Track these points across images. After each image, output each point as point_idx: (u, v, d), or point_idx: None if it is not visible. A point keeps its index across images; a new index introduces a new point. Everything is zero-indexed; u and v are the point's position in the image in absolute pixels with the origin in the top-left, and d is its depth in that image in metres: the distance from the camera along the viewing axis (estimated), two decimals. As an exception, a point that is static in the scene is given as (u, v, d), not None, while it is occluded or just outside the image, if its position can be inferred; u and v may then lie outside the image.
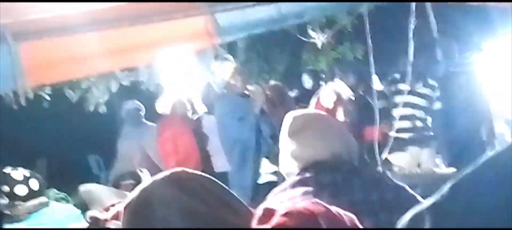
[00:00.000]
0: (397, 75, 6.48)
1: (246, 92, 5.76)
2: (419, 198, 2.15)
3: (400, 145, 5.77)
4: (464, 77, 6.73)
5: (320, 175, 2.17)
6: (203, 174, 1.47)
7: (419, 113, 6.41)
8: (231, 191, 1.46)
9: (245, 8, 4.46)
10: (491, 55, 6.98)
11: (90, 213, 3.37)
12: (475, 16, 5.14)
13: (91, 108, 9.47)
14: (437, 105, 6.56)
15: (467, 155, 6.14)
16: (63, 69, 4.82)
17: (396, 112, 5.62)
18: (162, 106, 6.98)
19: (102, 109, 9.54)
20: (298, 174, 2.26)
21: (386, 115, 6.05)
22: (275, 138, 5.53)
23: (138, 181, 5.35)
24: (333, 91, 5.45)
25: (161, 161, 6.68)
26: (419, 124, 6.45)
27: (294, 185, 2.18)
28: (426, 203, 1.00)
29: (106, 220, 3.35)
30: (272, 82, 7.04)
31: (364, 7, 4.77)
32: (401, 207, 2.02)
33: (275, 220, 1.40)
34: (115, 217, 3.34)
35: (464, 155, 6.10)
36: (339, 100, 5.55)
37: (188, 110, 6.78)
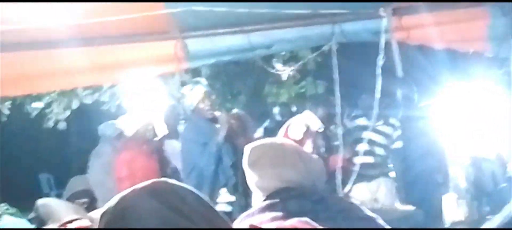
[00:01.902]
0: (360, 112, 6.61)
1: (215, 117, 5.76)
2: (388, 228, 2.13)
3: (360, 179, 5.84)
4: (422, 122, 6.89)
5: (288, 202, 2.16)
6: (186, 186, 1.42)
7: (379, 150, 6.51)
8: (213, 206, 1.41)
9: (215, 35, 4.50)
10: (449, 101, 7.18)
11: (46, 228, 3.33)
12: (439, 60, 5.27)
13: (51, 124, 9.37)
14: (398, 144, 6.68)
15: (423, 194, 6.29)
16: (27, 84, 4.77)
17: (359, 147, 5.69)
18: (124, 127, 6.89)
19: (62, 126, 9.45)
20: (266, 200, 2.26)
21: (350, 149, 6.14)
22: (235, 167, 5.55)
23: (92, 199, 5.31)
24: (303, 123, 5.50)
25: (115, 183, 6.51)
26: (379, 160, 6.55)
27: (263, 210, 2.16)
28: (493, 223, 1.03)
29: (62, 236, 3.32)
30: (236, 110, 7.04)
31: (331, 44, 4.84)
32: None
33: None
34: (72, 233, 3.31)
35: (421, 195, 6.24)
36: (308, 132, 5.60)
37: (151, 134, 6.73)
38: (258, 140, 2.54)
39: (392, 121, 6.65)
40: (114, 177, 6.56)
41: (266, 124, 8.24)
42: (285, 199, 2.18)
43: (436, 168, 6.90)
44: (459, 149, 8.91)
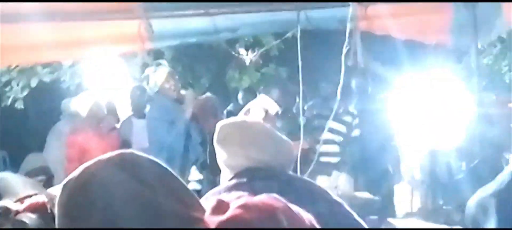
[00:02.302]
0: (318, 100, 6.68)
1: (180, 97, 5.73)
2: (355, 216, 2.14)
3: (321, 167, 5.87)
4: (378, 113, 6.99)
5: (255, 181, 2.15)
6: (153, 158, 1.35)
7: (339, 138, 6.57)
8: (182, 180, 1.36)
9: (181, 16, 4.47)
10: (407, 93, 7.27)
11: (1, 203, 3.26)
12: (401, 51, 5.31)
13: (8, 103, 9.23)
14: (356, 132, 6.76)
15: (378, 183, 6.40)
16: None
17: (320, 135, 5.73)
18: (78, 107, 6.77)
19: (19, 104, 9.31)
20: (232, 179, 2.26)
21: (310, 137, 6.17)
22: (204, 145, 5.56)
23: (49, 176, 5.23)
24: (261, 107, 5.50)
25: (63, 164, 6.38)
26: (339, 149, 6.62)
27: (229, 189, 2.14)
28: (489, 189, 1.04)
29: (18, 212, 3.25)
30: (207, 94, 7.00)
31: (296, 30, 4.85)
32: (337, 222, 2.07)
33: (230, 212, 1.33)
34: (29, 209, 3.25)
35: (375, 183, 6.34)
36: (267, 116, 5.60)
37: (105, 114, 6.62)
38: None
39: (351, 109, 6.72)
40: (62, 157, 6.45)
41: (229, 107, 8.24)
42: (252, 179, 2.17)
43: (388, 158, 7.03)
44: (415, 140, 9.04)
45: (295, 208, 1.41)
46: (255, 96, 8.26)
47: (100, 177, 1.28)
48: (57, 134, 6.92)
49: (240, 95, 8.81)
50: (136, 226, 1.24)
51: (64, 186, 1.31)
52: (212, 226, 1.32)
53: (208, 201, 2.08)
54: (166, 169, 1.36)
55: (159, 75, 5.70)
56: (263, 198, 1.40)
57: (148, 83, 5.77)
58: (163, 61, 5.84)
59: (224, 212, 1.35)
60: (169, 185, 1.32)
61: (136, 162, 1.32)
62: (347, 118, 6.65)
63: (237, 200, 1.39)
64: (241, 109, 6.69)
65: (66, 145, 6.52)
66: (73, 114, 6.83)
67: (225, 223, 1.32)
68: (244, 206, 1.35)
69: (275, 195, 1.42)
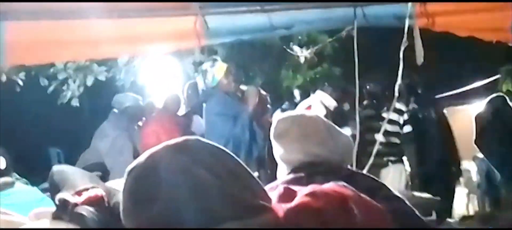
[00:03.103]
0: (366, 101, 6.66)
1: (238, 93, 5.71)
2: (417, 213, 2.06)
3: (376, 166, 5.79)
4: (436, 113, 6.86)
5: (313, 176, 2.07)
6: (218, 145, 1.35)
7: (392, 138, 6.50)
8: (247, 168, 1.35)
9: (236, 13, 4.45)
10: (466, 93, 7.12)
11: (59, 195, 3.27)
12: (461, 49, 5.19)
13: (64, 101, 9.37)
14: (406, 128, 6.67)
15: (438, 184, 6.26)
16: (42, 53, 4.73)
17: (377, 136, 5.65)
18: (152, 99, 6.86)
19: (75, 102, 9.44)
20: (290, 173, 2.21)
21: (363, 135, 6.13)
22: (267, 139, 5.54)
23: (105, 172, 5.28)
24: (321, 103, 5.46)
25: (139, 153, 6.47)
26: (391, 148, 6.55)
27: (287, 183, 2.11)
28: None
29: (76, 204, 3.26)
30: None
31: (349, 28, 4.79)
32: (397, 220, 2.00)
33: (298, 200, 1.29)
34: (87, 202, 3.26)
35: (434, 184, 6.21)
36: (328, 111, 5.54)
37: (179, 108, 6.66)
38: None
39: (398, 105, 6.66)
40: (132, 148, 6.52)
41: (284, 105, 8.20)
42: (310, 174, 2.11)
43: (450, 159, 6.88)
44: (472, 143, 8.83)
45: (365, 197, 1.37)
46: (308, 95, 8.23)
47: (166, 163, 1.27)
48: (101, 135, 7.01)
49: (296, 93, 8.79)
50: (202, 214, 1.21)
51: (130, 171, 1.31)
52: (280, 213, 1.28)
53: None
54: (232, 156, 1.34)
55: (217, 70, 5.69)
56: (332, 186, 1.36)
57: (205, 78, 5.75)
58: (218, 57, 5.81)
59: (291, 199, 1.31)
60: (236, 172, 1.30)
61: (202, 148, 1.31)
62: (394, 116, 6.58)
63: (304, 188, 1.34)
64: (295, 107, 6.66)
65: (142, 134, 6.61)
66: (115, 113, 6.91)
67: (293, 210, 1.28)
68: (313, 194, 1.31)
69: (343, 183, 1.37)
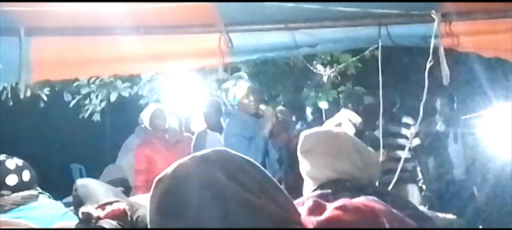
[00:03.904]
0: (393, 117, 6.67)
1: (258, 112, 5.70)
2: None
3: (399, 183, 5.77)
4: (460, 136, 6.83)
5: (341, 193, 2.06)
6: (245, 157, 1.33)
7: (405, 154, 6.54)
8: (274, 180, 1.33)
9: (261, 30, 4.45)
10: (492, 116, 7.03)
11: (83, 209, 3.28)
12: (488, 70, 5.13)
13: (86, 115, 9.43)
14: (415, 141, 6.70)
15: (459, 205, 6.21)
16: (66, 69, 4.78)
17: (401, 153, 5.63)
18: (144, 119, 6.91)
19: (96, 117, 9.50)
20: (317, 189, 2.20)
21: (390, 153, 6.11)
22: (280, 162, 5.51)
23: (127, 188, 5.29)
24: (349, 120, 5.43)
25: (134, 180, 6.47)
26: (412, 166, 6.56)
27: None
28: None
29: (99, 218, 3.27)
30: (280, 107, 7.00)
31: (373, 48, 4.77)
32: None
33: (328, 213, 1.28)
34: (110, 216, 3.26)
35: (457, 205, 6.17)
36: (356, 129, 5.51)
37: (167, 121, 6.70)
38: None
39: (404, 119, 6.68)
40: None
41: (298, 125, 8.21)
42: (337, 191, 2.10)
43: (473, 180, 6.85)
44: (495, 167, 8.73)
45: (396, 212, 1.35)
46: (321, 111, 8.24)
47: (194, 174, 1.25)
48: (125, 149, 7.05)
49: (309, 111, 8.79)
50: (231, 227, 1.19)
51: (158, 181, 1.29)
52: (310, 227, 1.26)
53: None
54: (260, 169, 1.32)
55: (239, 89, 5.68)
56: (362, 200, 1.34)
57: (227, 96, 5.75)
58: (243, 74, 5.80)
59: (321, 213, 1.29)
60: (265, 185, 1.28)
61: (231, 160, 1.29)
62: (403, 130, 6.60)
63: (334, 202, 1.32)
64: (309, 126, 6.66)
65: (134, 156, 6.64)
66: (141, 127, 6.96)
67: (324, 223, 1.27)
68: (343, 207, 1.29)
69: (374, 197, 1.35)
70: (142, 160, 6.53)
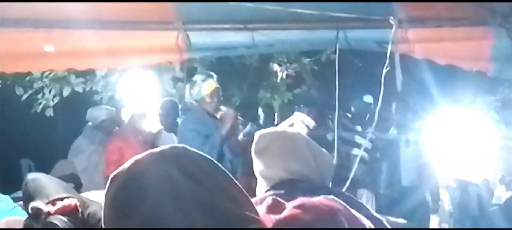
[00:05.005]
0: (351, 118, 6.74)
1: (216, 115, 5.68)
2: None
3: (353, 186, 5.81)
4: (413, 142, 6.94)
5: (293, 193, 2.00)
6: (203, 154, 1.31)
7: (367, 157, 6.59)
8: (232, 178, 1.31)
9: (219, 30, 4.44)
10: (441, 122, 7.17)
11: (33, 204, 3.23)
12: (441, 76, 5.21)
13: (38, 110, 9.26)
14: (369, 145, 6.78)
15: (410, 210, 6.31)
16: (19, 62, 4.69)
17: (355, 152, 5.68)
18: (123, 114, 6.83)
19: (49, 112, 9.34)
20: (270, 190, 2.19)
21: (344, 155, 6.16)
22: (233, 163, 5.50)
23: (78, 184, 5.21)
24: (301, 121, 5.45)
25: (103, 171, 6.43)
26: (364, 170, 6.64)
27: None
28: None
29: (49, 213, 3.22)
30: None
31: (330, 51, 4.81)
32: None
33: (288, 212, 1.28)
34: (60, 211, 3.21)
35: (408, 210, 6.25)
36: (309, 131, 5.53)
37: (146, 124, 6.63)
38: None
39: (358, 125, 6.77)
40: (103, 161, 6.48)
41: (248, 126, 8.22)
42: (291, 191, 2.08)
43: (424, 186, 6.95)
44: (445, 171, 8.91)
45: (354, 212, 1.35)
46: (273, 114, 8.26)
47: (151, 171, 1.22)
48: (75, 151, 6.95)
49: (260, 112, 8.79)
50: (188, 225, 1.17)
51: (113, 177, 1.26)
52: (269, 225, 1.25)
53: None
54: (218, 166, 1.30)
55: (206, 86, 5.65)
56: (321, 199, 1.34)
57: (191, 88, 5.70)
58: (214, 74, 5.76)
59: (280, 211, 1.29)
60: (223, 183, 1.26)
61: (188, 157, 1.27)
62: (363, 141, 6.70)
63: (293, 201, 1.32)
64: (259, 128, 6.68)
65: (107, 150, 6.55)
66: (90, 126, 6.88)
67: (283, 222, 1.26)
68: (302, 206, 1.29)
69: (333, 197, 1.36)
70: (114, 151, 6.44)
